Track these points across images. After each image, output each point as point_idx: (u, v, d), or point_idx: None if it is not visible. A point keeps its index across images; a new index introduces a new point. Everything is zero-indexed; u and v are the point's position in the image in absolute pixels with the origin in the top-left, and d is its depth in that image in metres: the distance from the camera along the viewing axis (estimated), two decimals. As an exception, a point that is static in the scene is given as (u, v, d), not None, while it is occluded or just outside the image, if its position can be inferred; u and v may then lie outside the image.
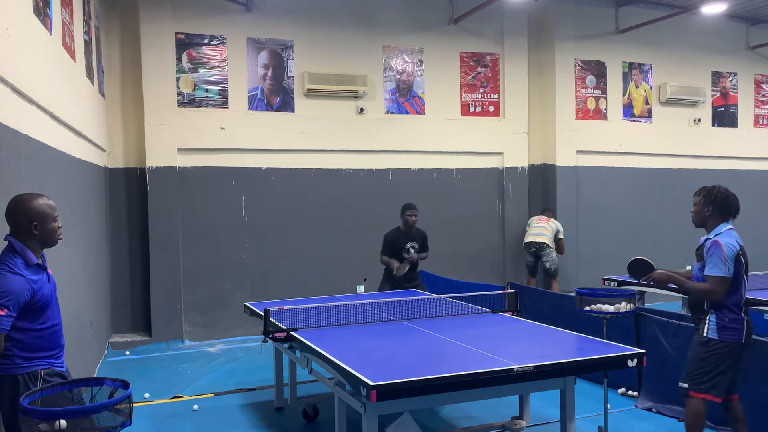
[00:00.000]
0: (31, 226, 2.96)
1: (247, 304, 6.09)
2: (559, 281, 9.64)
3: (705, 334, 3.98)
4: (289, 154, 8.86)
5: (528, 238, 9.54)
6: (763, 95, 11.82)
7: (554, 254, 9.44)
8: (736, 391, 4.18)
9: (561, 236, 9.53)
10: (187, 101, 8.39)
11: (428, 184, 9.59)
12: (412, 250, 7.16)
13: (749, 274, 4.16)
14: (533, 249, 9.44)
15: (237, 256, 8.61)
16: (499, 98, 9.97)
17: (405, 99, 9.46)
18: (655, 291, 6.69)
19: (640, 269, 4.46)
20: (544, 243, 9.36)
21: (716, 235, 4.00)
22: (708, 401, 4.02)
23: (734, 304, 3.97)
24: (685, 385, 4.02)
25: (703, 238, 4.14)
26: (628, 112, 10.70)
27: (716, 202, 4.06)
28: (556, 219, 9.69)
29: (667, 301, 8.51)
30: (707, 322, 4.00)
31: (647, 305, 7.00)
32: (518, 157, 10.06)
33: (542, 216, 9.67)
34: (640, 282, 4.52)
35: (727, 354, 3.92)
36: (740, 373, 4.16)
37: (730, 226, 4.06)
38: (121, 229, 8.40)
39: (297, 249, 8.74)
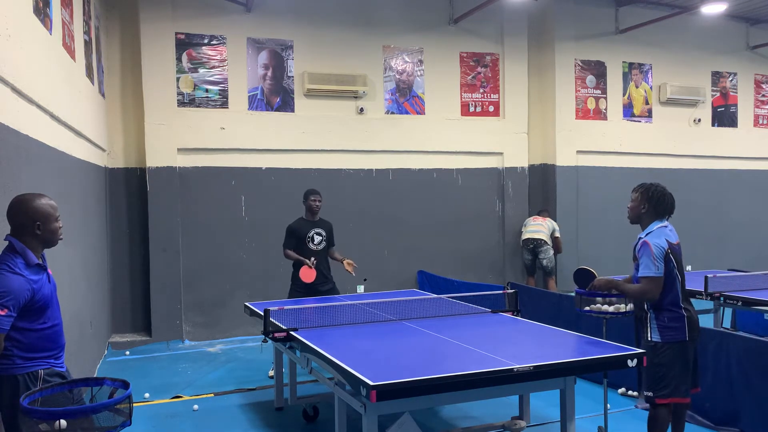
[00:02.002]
0: (34, 226, 2.96)
1: (247, 304, 6.09)
2: (557, 281, 9.66)
3: (650, 339, 3.99)
4: (289, 154, 8.86)
5: (525, 235, 9.56)
6: (763, 95, 11.82)
7: (551, 252, 9.47)
8: (698, 384, 4.19)
9: (557, 234, 9.58)
10: (187, 101, 8.39)
11: (428, 184, 9.59)
12: (317, 238, 6.64)
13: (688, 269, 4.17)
14: (531, 246, 9.45)
15: (237, 256, 8.61)
16: (499, 98, 9.97)
17: (405, 99, 9.46)
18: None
19: (584, 279, 4.48)
20: (542, 240, 9.38)
21: (647, 235, 4.03)
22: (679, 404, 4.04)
23: (671, 303, 3.98)
24: (649, 394, 4.01)
25: (638, 237, 4.14)
26: (628, 112, 10.70)
27: (652, 199, 4.08)
28: (552, 219, 9.72)
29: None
30: (649, 325, 4.03)
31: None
32: (518, 157, 10.07)
33: (538, 216, 9.70)
34: (587, 291, 4.53)
35: (675, 354, 3.90)
36: (697, 367, 4.15)
37: (663, 224, 4.08)
38: (121, 229, 8.40)
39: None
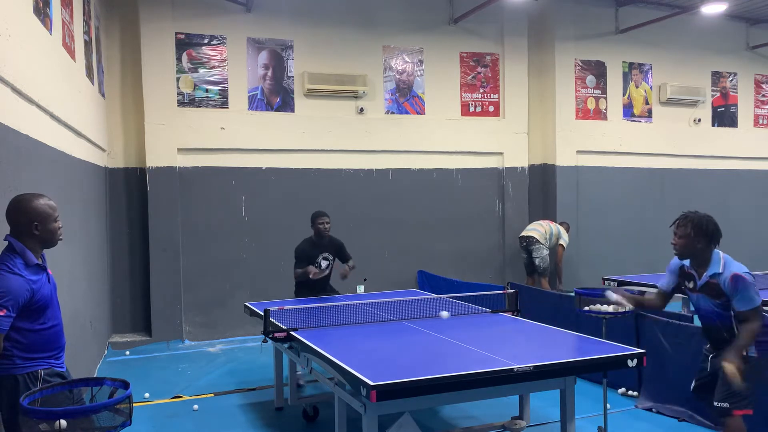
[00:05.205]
0: (32, 226, 2.96)
1: (247, 304, 6.09)
2: (561, 281, 9.58)
3: (745, 354, 3.76)
4: (289, 154, 8.86)
5: (521, 234, 9.53)
6: (763, 95, 11.82)
7: (545, 251, 9.31)
8: None
9: (562, 242, 9.38)
10: (187, 101, 8.39)
11: (428, 184, 9.59)
12: (324, 263, 6.44)
13: None
14: (524, 243, 9.40)
15: (237, 256, 8.61)
16: (499, 98, 9.97)
17: (405, 99, 9.46)
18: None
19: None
20: (533, 238, 9.23)
21: (724, 267, 3.83)
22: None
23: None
24: (725, 405, 3.77)
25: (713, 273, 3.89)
26: (628, 112, 10.70)
27: (707, 231, 3.88)
28: (563, 228, 9.51)
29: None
30: None
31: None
32: (518, 157, 10.06)
33: (546, 219, 9.62)
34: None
35: (763, 366, 3.77)
36: None
37: (721, 252, 3.93)
38: (121, 229, 8.40)
39: (297, 249, 8.72)
